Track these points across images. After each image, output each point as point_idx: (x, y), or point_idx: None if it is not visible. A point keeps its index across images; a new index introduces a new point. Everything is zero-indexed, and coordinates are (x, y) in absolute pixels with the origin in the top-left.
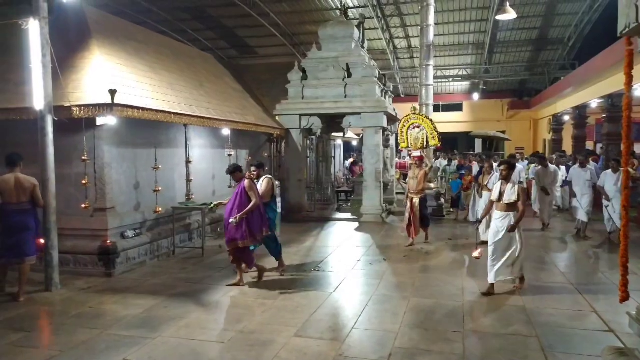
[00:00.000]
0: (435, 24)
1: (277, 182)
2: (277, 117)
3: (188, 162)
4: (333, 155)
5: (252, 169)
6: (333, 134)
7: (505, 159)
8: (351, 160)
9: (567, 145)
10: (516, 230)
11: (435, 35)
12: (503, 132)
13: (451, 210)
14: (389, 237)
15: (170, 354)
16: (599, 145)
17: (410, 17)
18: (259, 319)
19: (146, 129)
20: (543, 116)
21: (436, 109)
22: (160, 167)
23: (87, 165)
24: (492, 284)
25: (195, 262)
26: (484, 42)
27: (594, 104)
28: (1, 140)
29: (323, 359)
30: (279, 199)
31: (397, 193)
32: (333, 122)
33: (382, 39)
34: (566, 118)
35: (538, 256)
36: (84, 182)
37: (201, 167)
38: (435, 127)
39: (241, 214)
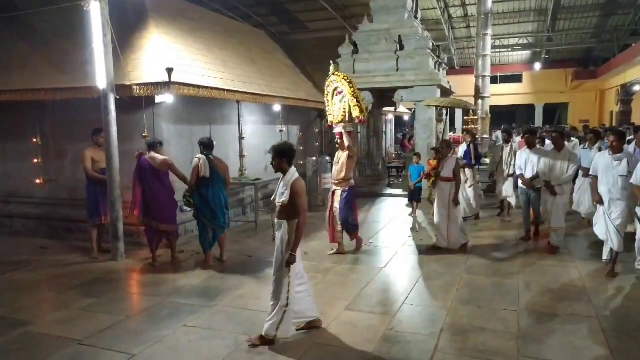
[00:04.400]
0: None
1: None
2: None
3: (241, 138)
4: (384, 130)
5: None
6: (384, 108)
7: (276, 145)
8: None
9: (637, 118)
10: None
11: (493, 2)
12: (566, 105)
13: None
14: None
15: (228, 322)
16: None
17: None
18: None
19: (201, 106)
20: (610, 86)
21: (493, 80)
22: (215, 143)
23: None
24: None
25: (249, 235)
26: (546, 8)
27: None
28: (67, 118)
29: (373, 333)
30: (327, 174)
31: None
32: (384, 96)
33: (436, 8)
34: (636, 88)
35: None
36: None
37: (253, 143)
38: (356, 93)
39: None
